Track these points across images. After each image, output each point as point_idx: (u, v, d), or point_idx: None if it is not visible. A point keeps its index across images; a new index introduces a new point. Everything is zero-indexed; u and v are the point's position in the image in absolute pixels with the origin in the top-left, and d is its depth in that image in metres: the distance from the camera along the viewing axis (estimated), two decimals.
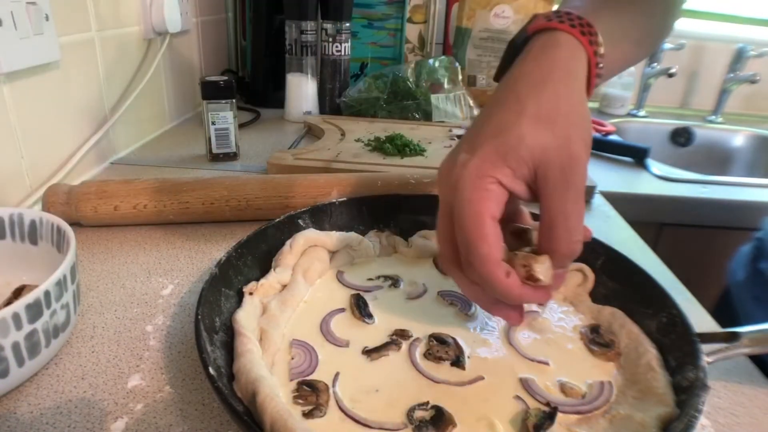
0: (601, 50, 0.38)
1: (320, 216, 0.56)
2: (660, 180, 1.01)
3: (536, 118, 0.34)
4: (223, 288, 0.44)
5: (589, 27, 0.37)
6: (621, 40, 0.41)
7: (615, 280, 0.49)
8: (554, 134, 0.33)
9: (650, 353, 0.41)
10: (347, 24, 1.10)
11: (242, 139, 0.92)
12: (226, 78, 0.82)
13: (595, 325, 0.46)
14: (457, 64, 1.16)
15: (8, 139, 0.60)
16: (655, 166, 1.05)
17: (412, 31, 1.35)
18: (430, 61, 1.15)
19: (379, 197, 0.60)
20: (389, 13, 1.28)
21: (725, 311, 0.71)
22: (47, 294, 0.37)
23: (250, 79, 1.24)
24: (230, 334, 0.41)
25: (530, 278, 0.35)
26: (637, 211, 0.92)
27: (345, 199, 0.58)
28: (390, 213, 0.58)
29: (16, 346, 0.36)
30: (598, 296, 0.50)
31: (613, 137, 1.21)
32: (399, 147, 0.88)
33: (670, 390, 0.37)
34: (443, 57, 1.16)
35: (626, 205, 0.85)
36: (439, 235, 0.38)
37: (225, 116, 0.82)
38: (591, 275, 0.50)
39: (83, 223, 0.61)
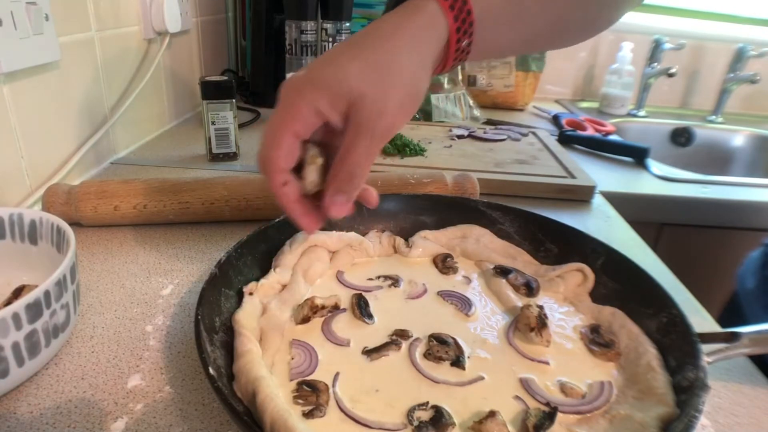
0: (470, 29, 0.39)
1: None
2: (660, 180, 1.01)
3: (366, 65, 0.36)
4: (223, 288, 0.44)
5: (464, 3, 0.38)
6: (518, 21, 0.42)
7: (615, 280, 0.49)
8: (375, 86, 0.36)
9: (650, 353, 0.41)
10: (347, 24, 1.10)
11: (242, 139, 0.92)
12: (226, 78, 0.82)
13: (595, 325, 0.46)
14: None
15: (8, 139, 0.60)
16: (655, 166, 1.05)
17: None
18: None
19: (379, 197, 0.60)
20: None
21: (734, 319, 0.70)
22: (47, 294, 0.37)
23: (250, 79, 1.24)
24: (230, 334, 0.41)
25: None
26: (637, 211, 0.92)
27: None
28: (390, 213, 0.58)
29: (16, 346, 0.36)
30: (598, 296, 0.50)
31: (613, 137, 1.21)
32: (399, 147, 0.88)
33: (670, 390, 0.37)
34: None
35: (626, 205, 0.85)
36: (263, 130, 0.39)
37: (225, 116, 0.82)
38: (591, 275, 0.50)
39: (83, 223, 0.61)
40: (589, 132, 1.22)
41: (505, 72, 1.36)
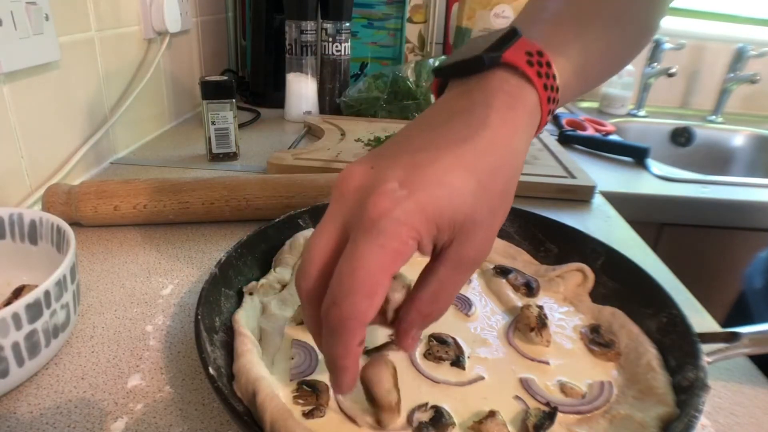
0: (552, 114, 0.35)
1: (320, 216, 0.55)
2: (660, 180, 1.01)
3: (482, 185, 0.30)
4: (223, 288, 0.44)
5: (555, 92, 0.34)
6: (582, 76, 0.38)
7: (615, 280, 0.49)
8: (489, 211, 0.30)
9: (650, 353, 0.41)
10: (347, 24, 1.10)
11: (242, 139, 0.92)
12: (226, 78, 0.82)
13: (595, 325, 0.46)
14: None
15: (8, 139, 0.60)
16: (655, 166, 1.05)
17: (412, 31, 1.35)
18: (430, 61, 1.15)
19: None
20: (389, 13, 1.28)
21: (741, 319, 0.70)
22: (47, 294, 0.37)
23: (250, 79, 1.24)
24: (230, 334, 0.41)
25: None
26: (637, 211, 0.92)
27: None
28: None
29: (16, 346, 0.36)
30: (598, 296, 0.50)
31: (613, 137, 1.21)
32: None
33: (670, 390, 0.37)
34: (443, 57, 1.16)
35: (626, 205, 0.85)
36: (313, 249, 0.31)
37: (225, 116, 0.82)
38: (591, 275, 0.50)
39: (83, 223, 0.61)
40: (589, 132, 1.22)
41: None
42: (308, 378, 0.39)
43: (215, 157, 0.86)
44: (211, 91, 0.80)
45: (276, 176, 0.66)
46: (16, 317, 0.35)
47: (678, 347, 0.40)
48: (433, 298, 0.31)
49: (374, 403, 0.35)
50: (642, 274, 0.47)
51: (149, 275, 0.54)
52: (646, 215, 0.95)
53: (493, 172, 0.30)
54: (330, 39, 1.10)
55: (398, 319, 0.33)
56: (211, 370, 0.34)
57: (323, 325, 0.30)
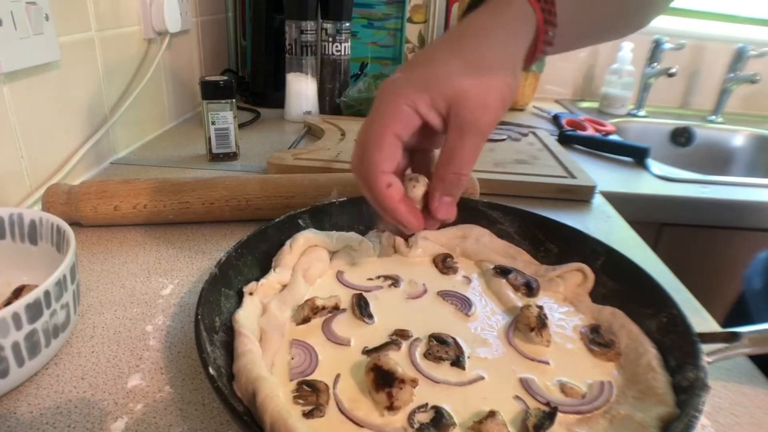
0: (554, 20, 0.39)
1: (320, 216, 0.56)
2: (660, 180, 1.01)
3: (467, 63, 0.37)
4: (223, 288, 0.44)
5: (551, 6, 0.39)
6: (584, 16, 0.43)
7: (615, 280, 0.49)
8: (477, 82, 0.36)
9: (650, 353, 0.41)
10: (347, 24, 1.10)
11: (242, 139, 0.92)
12: (226, 78, 0.82)
13: (595, 325, 0.46)
14: None
15: (8, 139, 0.60)
16: (655, 166, 1.05)
17: (412, 31, 1.35)
18: None
19: None
20: (389, 13, 1.28)
21: (741, 320, 0.70)
22: (47, 294, 0.37)
23: (250, 79, 1.24)
24: (230, 334, 0.41)
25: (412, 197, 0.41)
26: (637, 211, 0.92)
27: (345, 199, 0.58)
28: None
29: (16, 346, 0.36)
30: (598, 296, 0.50)
31: (613, 137, 1.21)
32: None
33: (670, 390, 0.37)
34: None
35: (626, 205, 0.85)
36: (360, 133, 0.40)
37: (225, 116, 0.82)
38: (591, 275, 0.50)
39: (83, 223, 0.61)
40: (589, 132, 1.22)
41: None
42: (308, 378, 0.39)
43: (215, 157, 0.86)
44: (211, 91, 0.80)
45: (276, 176, 0.66)
46: (16, 317, 0.35)
47: (678, 347, 0.40)
48: (447, 161, 0.38)
49: (386, 383, 0.36)
50: (642, 274, 0.47)
51: (149, 275, 0.54)
52: (646, 215, 0.95)
53: (477, 54, 0.37)
54: (330, 39, 1.10)
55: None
56: (211, 370, 0.34)
57: (367, 190, 0.39)
